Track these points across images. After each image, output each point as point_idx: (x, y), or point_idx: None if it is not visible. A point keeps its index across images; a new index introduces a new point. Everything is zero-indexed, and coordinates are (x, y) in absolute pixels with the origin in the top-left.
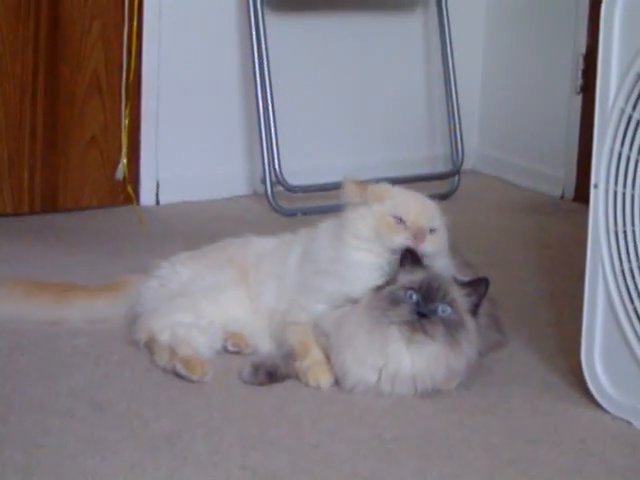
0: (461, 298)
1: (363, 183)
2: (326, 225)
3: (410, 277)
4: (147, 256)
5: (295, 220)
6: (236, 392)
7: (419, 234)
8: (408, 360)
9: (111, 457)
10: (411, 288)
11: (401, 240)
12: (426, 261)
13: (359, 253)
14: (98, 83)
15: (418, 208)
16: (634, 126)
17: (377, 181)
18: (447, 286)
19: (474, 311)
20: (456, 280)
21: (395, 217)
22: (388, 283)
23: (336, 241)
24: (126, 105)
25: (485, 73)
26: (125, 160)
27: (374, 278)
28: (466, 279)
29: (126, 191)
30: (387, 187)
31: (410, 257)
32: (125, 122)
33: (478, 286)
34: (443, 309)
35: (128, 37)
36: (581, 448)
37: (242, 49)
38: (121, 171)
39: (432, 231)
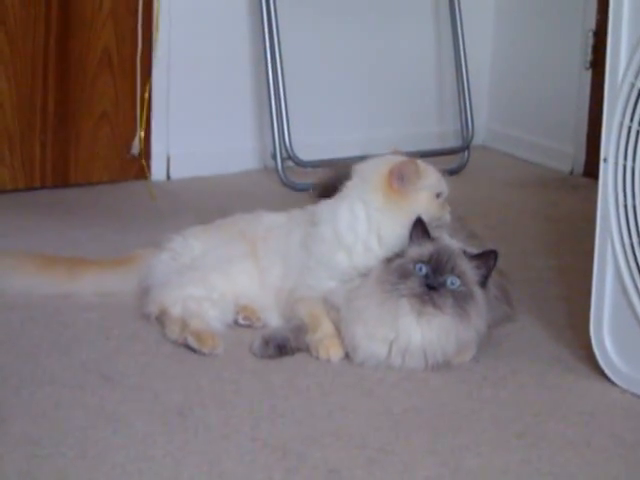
0: (470, 270)
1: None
2: (344, 202)
3: (419, 250)
4: (158, 230)
5: (306, 195)
6: (247, 365)
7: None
8: (418, 333)
9: (122, 429)
10: (420, 261)
11: (448, 214)
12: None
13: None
14: (109, 59)
15: (442, 179)
16: None
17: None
18: (456, 258)
19: (483, 283)
20: (465, 252)
21: (438, 193)
22: (398, 256)
23: (396, 222)
24: (133, 81)
25: (495, 49)
26: (142, 134)
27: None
28: (475, 251)
29: (137, 166)
30: (424, 166)
31: (420, 229)
32: (145, 96)
33: (487, 258)
34: (452, 281)
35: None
36: (590, 421)
37: (253, 24)
38: (137, 146)
39: (439, 195)
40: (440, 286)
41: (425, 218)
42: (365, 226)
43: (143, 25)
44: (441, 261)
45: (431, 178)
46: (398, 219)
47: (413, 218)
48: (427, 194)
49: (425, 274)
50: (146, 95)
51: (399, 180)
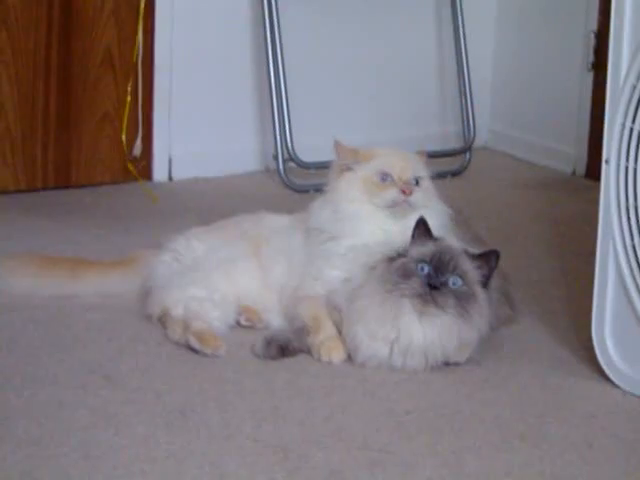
0: (472, 270)
1: (353, 147)
2: (316, 201)
3: (421, 249)
4: (159, 231)
5: (307, 196)
6: (249, 366)
7: (406, 186)
8: (420, 332)
9: (124, 430)
10: (422, 260)
11: (391, 195)
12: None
13: (354, 206)
14: (111, 60)
15: (401, 162)
16: None
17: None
18: (458, 258)
19: (485, 283)
20: (467, 252)
21: (381, 174)
22: (400, 255)
23: (330, 207)
24: (134, 82)
25: (497, 50)
26: (123, 138)
27: (376, 226)
28: (477, 252)
29: (139, 168)
30: (374, 148)
31: (423, 229)
32: (127, 99)
33: (489, 258)
34: (454, 281)
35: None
36: (591, 422)
37: (255, 25)
38: (139, 147)
39: (418, 182)
40: (442, 286)
41: (352, 195)
42: (328, 210)
43: (145, 26)
44: (443, 261)
45: (371, 159)
46: (331, 203)
47: (337, 199)
48: (358, 174)
49: (427, 274)
50: (128, 98)
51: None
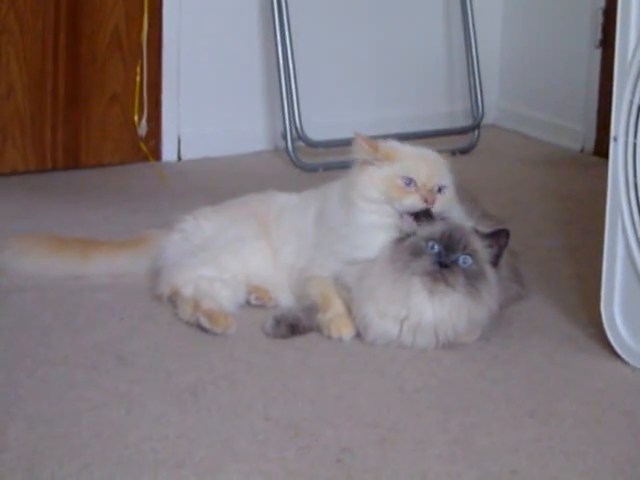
0: (482, 249)
1: (374, 141)
2: (337, 184)
3: (431, 228)
4: (169, 211)
5: (316, 175)
6: (259, 345)
7: (429, 196)
8: (430, 310)
9: (136, 409)
10: (432, 239)
11: (411, 202)
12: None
13: (368, 216)
14: (119, 40)
15: (428, 169)
16: None
17: (385, 138)
18: (468, 237)
19: (495, 262)
20: (477, 231)
21: (405, 179)
22: (409, 235)
23: (345, 203)
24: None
25: (505, 27)
26: (136, 117)
27: (384, 239)
28: (487, 230)
29: (148, 147)
30: (397, 146)
31: (424, 214)
32: (137, 79)
33: (499, 237)
34: (464, 260)
35: None
36: (601, 399)
37: (263, 3)
38: (144, 127)
39: (441, 189)
40: (452, 264)
41: (370, 194)
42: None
43: (152, 6)
44: (453, 239)
45: (394, 159)
46: (346, 195)
47: (353, 194)
48: (380, 172)
49: (437, 252)
50: (137, 78)
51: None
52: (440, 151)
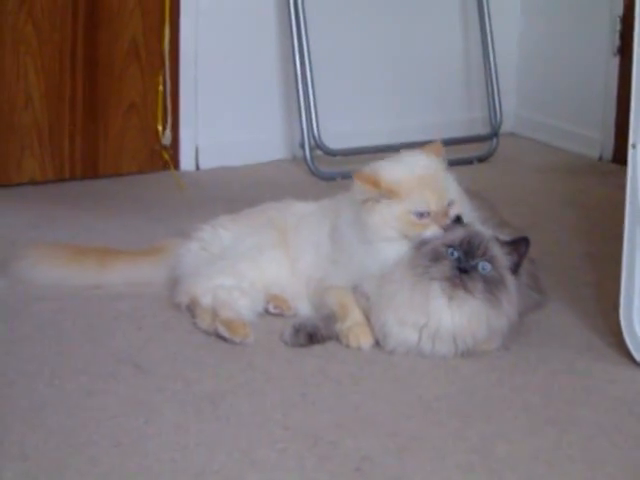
0: (502, 256)
1: (373, 177)
2: (347, 203)
3: (451, 235)
4: (187, 220)
5: (334, 184)
6: (278, 353)
7: (444, 221)
8: (448, 317)
9: (155, 418)
10: (452, 245)
11: (431, 234)
12: None
13: (390, 252)
14: (137, 50)
15: (434, 194)
16: None
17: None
18: (488, 244)
19: (515, 270)
20: (497, 239)
21: (417, 214)
22: (429, 241)
23: (362, 240)
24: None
25: (523, 35)
26: (160, 127)
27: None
28: (507, 238)
29: (167, 157)
30: (399, 178)
31: (454, 220)
32: (160, 88)
33: (519, 245)
34: (483, 266)
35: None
36: (620, 407)
37: (280, 13)
38: (168, 137)
39: (450, 204)
40: (471, 270)
41: (387, 234)
42: (347, 229)
43: (170, 15)
44: (473, 245)
45: (401, 194)
46: (360, 231)
47: (369, 234)
48: (391, 210)
49: (457, 258)
50: (160, 88)
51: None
52: (430, 143)
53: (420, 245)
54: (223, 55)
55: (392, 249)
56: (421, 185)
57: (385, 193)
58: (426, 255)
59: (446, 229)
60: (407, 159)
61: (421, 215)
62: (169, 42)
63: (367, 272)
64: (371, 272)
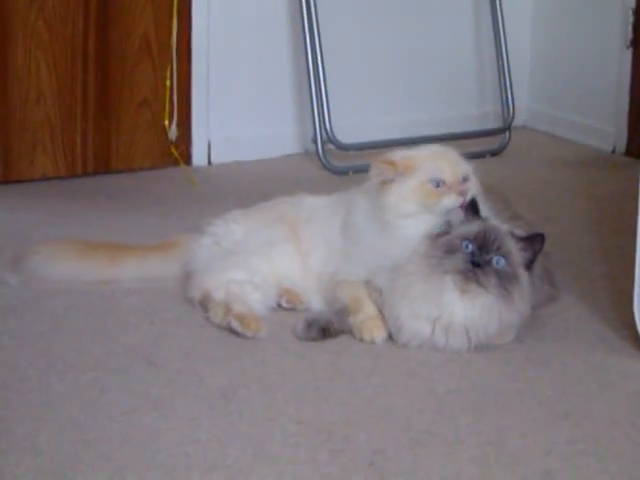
0: (516, 251)
1: (389, 158)
2: (360, 197)
3: (467, 228)
4: (199, 216)
5: (347, 178)
6: (290, 348)
7: (462, 188)
8: (461, 310)
9: (167, 413)
10: (467, 238)
11: (449, 201)
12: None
13: (411, 229)
14: (148, 45)
15: (448, 164)
16: None
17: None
18: (503, 238)
19: (529, 266)
20: (513, 234)
21: (433, 181)
22: (446, 233)
23: (380, 224)
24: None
25: (535, 28)
26: (166, 122)
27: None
28: (523, 234)
29: (178, 151)
30: (409, 154)
31: (472, 210)
32: (167, 83)
33: (534, 241)
34: (498, 260)
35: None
36: (634, 401)
37: (291, 7)
38: (174, 132)
39: (466, 179)
40: (485, 264)
41: (406, 209)
42: (363, 222)
43: (181, 11)
44: (488, 239)
45: (415, 168)
46: (379, 218)
47: (388, 215)
48: (407, 185)
49: (471, 251)
50: (167, 83)
51: (380, 178)
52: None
53: (435, 237)
54: (235, 50)
55: (412, 226)
56: (434, 156)
57: (401, 170)
58: (440, 247)
59: (464, 218)
60: (419, 147)
61: (437, 184)
62: (180, 37)
63: (385, 261)
64: (391, 258)
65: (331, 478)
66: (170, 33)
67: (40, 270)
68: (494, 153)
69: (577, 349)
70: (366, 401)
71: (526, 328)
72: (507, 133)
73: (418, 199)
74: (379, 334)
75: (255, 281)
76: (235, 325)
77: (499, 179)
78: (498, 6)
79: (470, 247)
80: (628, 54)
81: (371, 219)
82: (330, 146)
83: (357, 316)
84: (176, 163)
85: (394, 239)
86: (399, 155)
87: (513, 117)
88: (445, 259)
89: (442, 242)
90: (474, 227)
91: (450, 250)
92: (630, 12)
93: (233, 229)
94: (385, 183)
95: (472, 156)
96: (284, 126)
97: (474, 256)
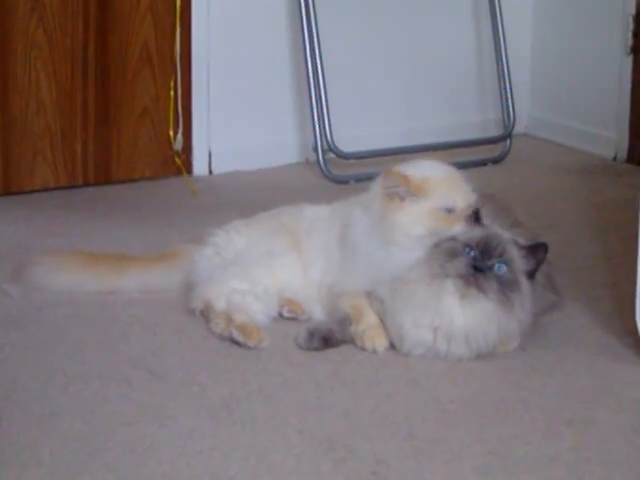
0: (518, 259)
1: (404, 174)
2: (358, 211)
3: (469, 234)
4: (201, 226)
5: (348, 187)
6: (292, 358)
7: (470, 218)
8: (460, 316)
9: (170, 424)
10: (469, 244)
11: (459, 228)
12: None
13: (413, 253)
14: (148, 55)
15: (459, 192)
16: None
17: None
18: (505, 245)
19: (531, 275)
20: (516, 242)
21: (445, 210)
22: (449, 239)
23: (385, 243)
24: (175, 77)
25: (535, 35)
26: (171, 132)
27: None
28: (526, 243)
29: (179, 162)
30: (426, 176)
31: (474, 217)
32: (171, 93)
33: (537, 251)
34: (499, 267)
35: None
36: (637, 408)
37: (292, 17)
38: (180, 141)
39: (471, 206)
40: (487, 269)
41: (416, 232)
42: (363, 236)
43: (182, 20)
44: (490, 246)
45: (429, 191)
46: (384, 233)
47: (396, 234)
48: (419, 208)
49: (473, 257)
50: (171, 93)
51: (391, 190)
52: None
53: (438, 243)
54: (235, 59)
55: (417, 247)
56: (448, 183)
57: (414, 190)
58: (443, 252)
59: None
60: (426, 163)
61: (448, 212)
62: (181, 46)
63: (384, 276)
64: (390, 274)
65: None
66: (172, 42)
67: (41, 281)
68: (495, 161)
69: (580, 357)
70: (369, 410)
71: (529, 336)
72: (508, 141)
73: (430, 224)
74: (381, 343)
75: (257, 291)
76: (237, 335)
77: (500, 187)
78: (498, 13)
79: (472, 252)
80: (629, 61)
81: (372, 234)
82: (331, 155)
83: (359, 325)
84: (177, 173)
85: (397, 257)
86: (411, 171)
87: (514, 124)
88: (446, 262)
89: (444, 248)
90: (477, 233)
91: (452, 254)
92: (630, 19)
93: (234, 239)
94: (393, 199)
95: (473, 164)
96: (285, 135)
97: (476, 261)
